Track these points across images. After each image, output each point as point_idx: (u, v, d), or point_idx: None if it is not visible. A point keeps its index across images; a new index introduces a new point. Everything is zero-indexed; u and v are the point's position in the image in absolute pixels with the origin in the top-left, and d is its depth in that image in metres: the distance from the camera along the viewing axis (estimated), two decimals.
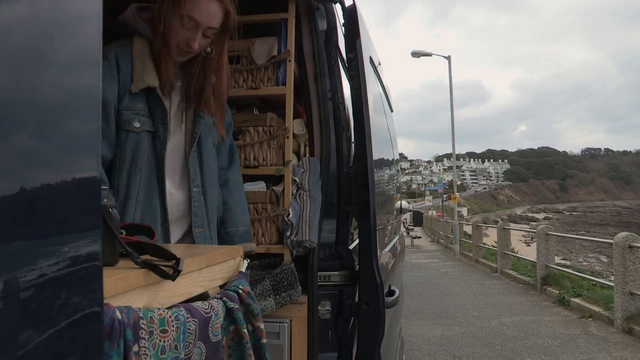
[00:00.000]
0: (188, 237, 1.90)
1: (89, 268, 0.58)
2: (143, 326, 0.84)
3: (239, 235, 2.06)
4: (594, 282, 9.33)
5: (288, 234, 2.16)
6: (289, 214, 2.16)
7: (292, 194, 2.21)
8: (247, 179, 2.31)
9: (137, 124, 1.76)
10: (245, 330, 1.23)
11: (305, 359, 2.13)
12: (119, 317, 0.77)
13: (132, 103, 1.77)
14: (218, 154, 2.05)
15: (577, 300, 8.46)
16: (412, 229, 28.42)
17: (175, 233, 1.88)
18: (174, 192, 1.86)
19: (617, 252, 7.29)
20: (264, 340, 1.25)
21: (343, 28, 2.39)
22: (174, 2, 1.77)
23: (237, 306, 1.21)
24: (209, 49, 1.88)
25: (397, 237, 4.02)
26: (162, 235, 1.81)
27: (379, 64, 3.33)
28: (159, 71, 1.79)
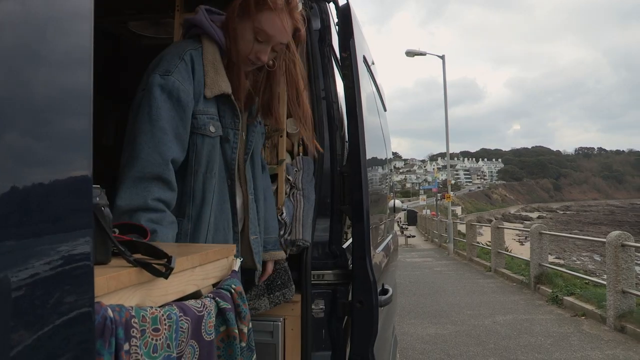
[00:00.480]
0: (244, 243, 1.91)
1: (80, 267, 0.58)
2: (135, 325, 0.84)
3: (271, 243, 2.07)
4: (586, 281, 9.38)
5: (282, 233, 2.16)
6: (282, 213, 2.16)
7: (286, 193, 2.21)
8: None
9: (212, 129, 1.75)
10: (237, 331, 1.23)
11: (298, 358, 2.13)
12: (111, 315, 0.77)
13: (206, 107, 1.75)
14: None
15: (570, 298, 8.50)
16: (407, 228, 28.48)
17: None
18: (236, 199, 1.87)
19: (610, 251, 7.33)
20: (244, 344, 1.25)
21: (337, 27, 2.39)
22: (247, 15, 1.78)
23: (230, 306, 1.21)
24: (271, 62, 1.88)
25: (391, 236, 4.03)
26: (233, 240, 1.84)
27: (373, 63, 3.34)
28: (230, 78, 1.79)
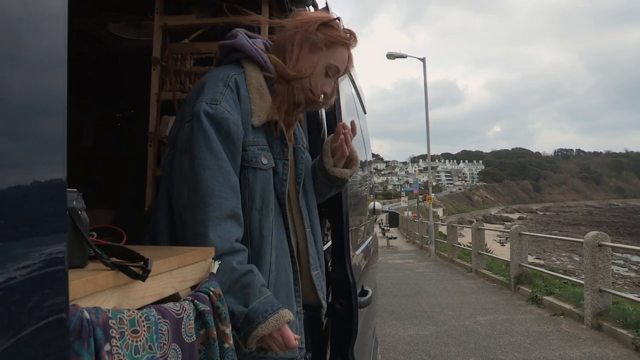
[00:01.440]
0: (305, 280, 1.78)
1: (54, 271, 0.58)
2: (113, 326, 0.85)
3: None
4: (565, 281, 9.52)
5: None
6: None
7: None
8: None
9: (264, 161, 1.63)
10: (215, 334, 1.23)
11: None
12: (87, 317, 0.78)
13: (255, 137, 1.63)
14: None
15: (549, 298, 8.62)
16: (388, 230, 28.58)
17: None
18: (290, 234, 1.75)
19: (587, 251, 7.45)
20: (227, 345, 1.25)
21: None
22: (319, 49, 1.71)
23: (208, 309, 1.22)
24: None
25: (371, 237, 4.05)
26: (294, 279, 1.70)
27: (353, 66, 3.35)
28: (280, 105, 1.67)
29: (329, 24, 1.75)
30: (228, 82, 1.61)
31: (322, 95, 1.74)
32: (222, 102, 1.57)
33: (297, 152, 1.82)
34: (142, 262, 0.97)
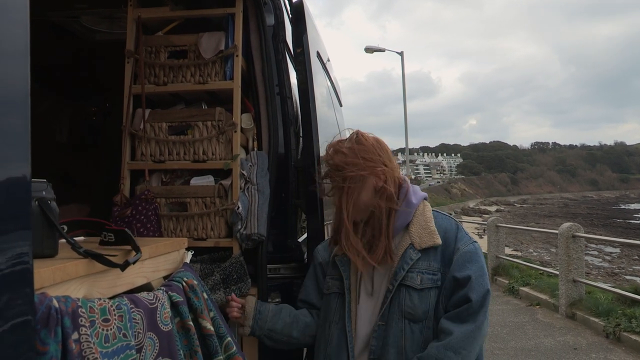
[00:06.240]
0: None
1: (19, 261, 0.58)
2: (83, 314, 0.85)
3: None
4: (541, 272, 9.65)
5: (238, 227, 2.17)
6: (238, 207, 2.17)
7: (241, 188, 2.23)
8: (196, 173, 2.32)
9: None
10: (192, 323, 1.24)
11: (256, 351, 2.15)
12: (56, 305, 0.78)
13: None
14: None
15: (525, 289, 8.74)
16: None
17: None
18: None
19: (562, 242, 7.57)
20: (205, 332, 1.27)
21: (291, 24, 2.42)
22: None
23: (182, 299, 1.23)
24: None
25: None
26: None
27: (328, 60, 3.37)
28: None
29: None
30: None
31: None
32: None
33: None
34: (119, 253, 0.97)
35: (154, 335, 1.08)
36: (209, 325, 1.31)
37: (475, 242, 1.82)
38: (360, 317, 1.78)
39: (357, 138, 1.80)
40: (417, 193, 1.86)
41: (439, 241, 1.75)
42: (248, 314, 1.94)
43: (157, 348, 1.08)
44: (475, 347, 1.67)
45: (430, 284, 1.73)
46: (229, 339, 1.42)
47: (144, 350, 1.03)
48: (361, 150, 1.77)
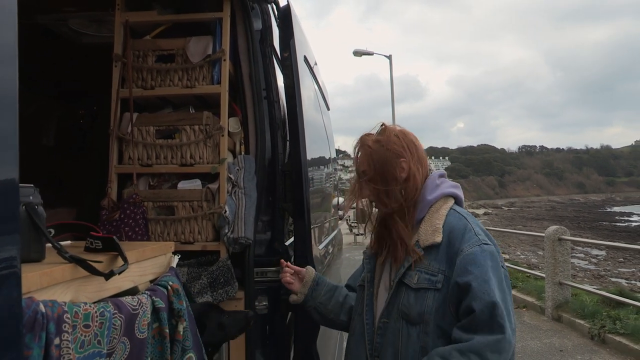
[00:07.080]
0: None
1: (7, 265, 0.59)
2: (67, 320, 0.86)
3: None
4: (528, 274, 9.72)
5: (225, 231, 2.18)
6: (225, 211, 2.18)
7: (228, 192, 2.24)
8: (183, 177, 2.32)
9: None
10: (168, 331, 1.24)
11: (243, 354, 2.16)
12: (43, 310, 0.79)
13: None
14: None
15: (512, 292, 8.79)
16: (356, 226, 28.59)
17: None
18: None
19: (548, 245, 7.63)
20: (177, 338, 1.27)
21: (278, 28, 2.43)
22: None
23: (164, 305, 1.23)
24: None
25: (334, 233, 4.09)
26: None
27: (315, 64, 3.39)
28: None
29: None
30: None
31: None
32: None
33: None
34: (104, 259, 0.98)
35: (127, 340, 1.08)
36: (182, 331, 1.32)
37: (487, 243, 1.64)
38: (378, 311, 1.77)
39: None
40: (434, 190, 1.77)
41: (439, 239, 1.64)
42: (306, 282, 2.03)
43: (127, 353, 1.08)
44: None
45: (427, 285, 1.63)
46: (191, 354, 1.37)
47: (114, 355, 1.03)
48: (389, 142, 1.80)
